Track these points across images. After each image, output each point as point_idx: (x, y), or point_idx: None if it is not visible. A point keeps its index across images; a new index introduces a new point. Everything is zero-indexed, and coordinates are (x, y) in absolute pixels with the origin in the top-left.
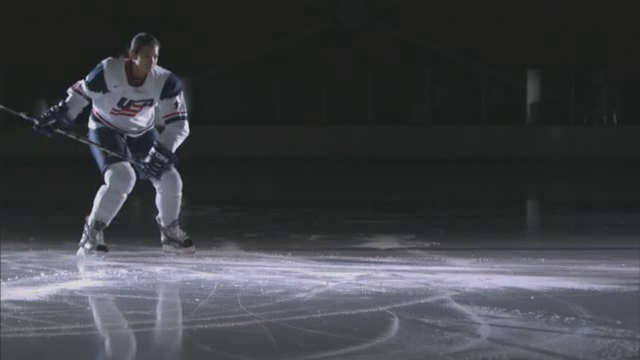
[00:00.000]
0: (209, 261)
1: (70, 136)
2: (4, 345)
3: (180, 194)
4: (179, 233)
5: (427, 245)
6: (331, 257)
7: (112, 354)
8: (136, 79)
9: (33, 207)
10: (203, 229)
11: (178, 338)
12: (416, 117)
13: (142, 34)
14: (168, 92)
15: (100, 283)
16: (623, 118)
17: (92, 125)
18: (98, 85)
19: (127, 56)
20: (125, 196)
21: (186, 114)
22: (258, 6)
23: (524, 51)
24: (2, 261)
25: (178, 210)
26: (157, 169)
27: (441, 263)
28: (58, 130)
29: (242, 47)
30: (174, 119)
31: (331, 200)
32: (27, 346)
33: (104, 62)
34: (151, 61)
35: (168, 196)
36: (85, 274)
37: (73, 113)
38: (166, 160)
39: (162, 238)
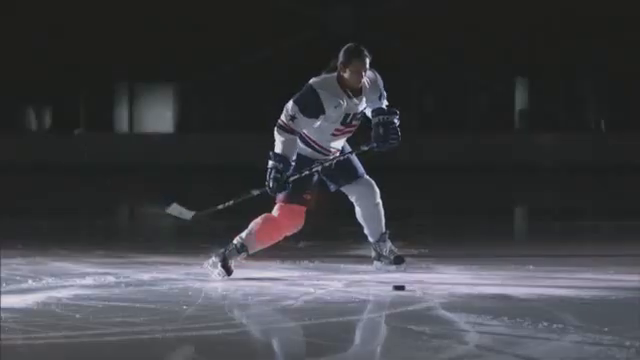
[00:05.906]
0: (196, 269)
1: (299, 175)
2: None
3: (379, 201)
4: (389, 248)
5: (415, 252)
6: (319, 264)
7: None
8: (354, 91)
9: (22, 214)
10: (191, 236)
11: (166, 346)
12: (404, 124)
13: (352, 46)
14: (381, 94)
15: (88, 290)
16: (611, 125)
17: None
18: (315, 110)
19: (333, 69)
20: (283, 238)
21: None
22: (245, 13)
23: (512, 58)
24: None
25: (383, 220)
26: (395, 132)
27: (429, 270)
28: (291, 178)
29: (229, 54)
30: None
31: (319, 207)
32: (14, 353)
33: (312, 84)
34: (361, 76)
35: (367, 206)
36: (73, 281)
37: (293, 157)
38: (396, 117)
39: (372, 254)
